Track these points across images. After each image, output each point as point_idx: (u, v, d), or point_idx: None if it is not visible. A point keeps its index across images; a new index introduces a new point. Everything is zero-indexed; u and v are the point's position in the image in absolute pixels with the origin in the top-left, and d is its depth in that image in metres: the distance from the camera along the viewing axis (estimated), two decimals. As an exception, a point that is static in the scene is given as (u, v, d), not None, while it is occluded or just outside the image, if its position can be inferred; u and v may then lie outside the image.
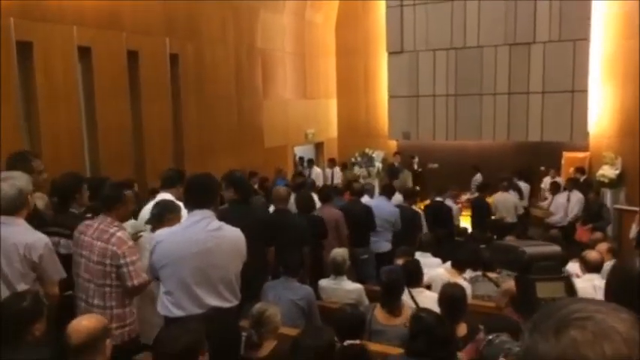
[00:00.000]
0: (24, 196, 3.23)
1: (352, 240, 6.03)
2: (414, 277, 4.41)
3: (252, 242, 3.29)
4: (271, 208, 5.78)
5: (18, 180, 3.25)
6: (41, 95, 6.94)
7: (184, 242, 2.97)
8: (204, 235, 2.98)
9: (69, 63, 7.30)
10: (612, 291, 1.82)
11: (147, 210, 4.26)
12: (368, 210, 6.39)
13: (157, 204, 4.14)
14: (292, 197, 5.88)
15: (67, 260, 3.92)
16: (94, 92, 7.69)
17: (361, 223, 6.26)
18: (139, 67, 8.40)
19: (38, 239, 3.20)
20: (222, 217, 3.31)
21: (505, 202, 8.94)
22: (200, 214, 3.04)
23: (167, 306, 2.99)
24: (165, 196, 4.49)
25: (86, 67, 7.65)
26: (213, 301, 2.97)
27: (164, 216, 3.85)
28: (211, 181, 3.24)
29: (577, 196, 9.01)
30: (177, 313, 2.95)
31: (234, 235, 3.12)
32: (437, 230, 7.20)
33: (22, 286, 3.12)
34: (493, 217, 8.79)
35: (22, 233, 3.17)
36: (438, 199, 8.30)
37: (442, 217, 7.85)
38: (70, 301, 3.73)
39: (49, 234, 3.92)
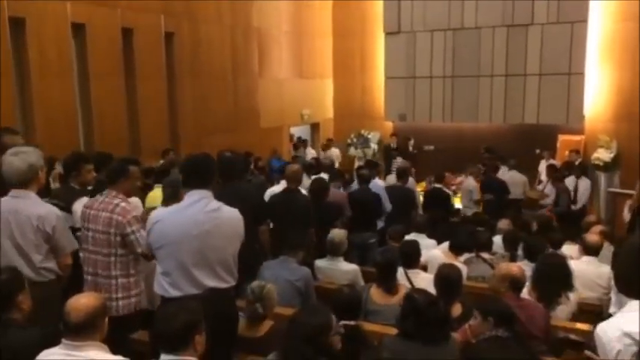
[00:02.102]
0: (35, 170, 3.35)
1: (360, 225, 6.14)
2: (411, 258, 4.44)
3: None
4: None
5: (29, 154, 3.37)
6: (35, 72, 6.87)
7: (183, 223, 2.95)
8: (202, 216, 2.97)
9: (63, 40, 7.21)
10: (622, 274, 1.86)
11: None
12: (377, 197, 6.49)
13: (170, 181, 4.28)
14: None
15: None
16: (88, 70, 7.62)
17: (371, 209, 6.37)
18: (133, 45, 8.31)
19: (50, 211, 3.33)
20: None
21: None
22: (198, 194, 3.02)
23: (164, 286, 2.99)
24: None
25: (80, 44, 7.56)
26: (211, 282, 2.97)
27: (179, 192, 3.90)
28: (209, 161, 3.21)
29: (585, 183, 8.91)
30: (173, 293, 2.95)
31: (232, 215, 3.11)
32: (432, 211, 7.22)
33: (36, 257, 3.29)
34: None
35: (34, 206, 3.31)
36: (438, 185, 8.28)
37: (441, 204, 7.86)
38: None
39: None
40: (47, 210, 3.33)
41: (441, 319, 2.96)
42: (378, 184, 7.13)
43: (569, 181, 8.87)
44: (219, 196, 3.61)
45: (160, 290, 3.02)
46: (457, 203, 9.21)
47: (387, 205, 6.66)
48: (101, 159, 4.94)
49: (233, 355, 3.18)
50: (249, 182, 5.35)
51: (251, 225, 4.49)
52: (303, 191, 5.60)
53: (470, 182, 8.66)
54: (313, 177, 6.44)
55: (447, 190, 8.44)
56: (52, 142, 6.64)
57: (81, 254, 3.62)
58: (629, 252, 1.96)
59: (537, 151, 11.48)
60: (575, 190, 8.77)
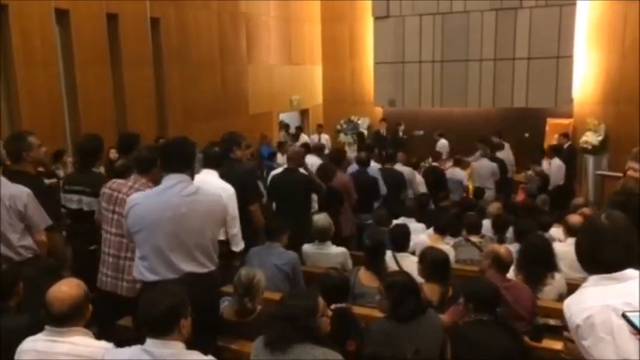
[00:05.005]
0: (1, 153, 3.45)
1: (358, 207, 6.25)
2: (400, 241, 4.45)
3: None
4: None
5: None
6: (18, 60, 6.78)
7: (158, 207, 2.92)
8: (178, 199, 2.92)
9: (46, 26, 7.11)
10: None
11: None
12: (374, 180, 6.61)
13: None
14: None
15: (89, 216, 4.05)
16: (73, 57, 7.52)
17: (368, 191, 6.47)
18: (119, 31, 8.21)
19: (21, 190, 3.38)
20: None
21: (481, 169, 8.94)
22: (175, 178, 2.97)
23: (141, 271, 2.97)
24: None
25: (64, 30, 7.46)
26: (188, 267, 2.93)
27: None
28: (187, 146, 3.16)
29: (556, 163, 9.05)
30: (151, 277, 2.92)
31: (210, 199, 3.06)
32: (421, 195, 7.26)
33: (13, 236, 3.35)
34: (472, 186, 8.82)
35: (4, 187, 3.34)
36: (434, 164, 8.43)
37: (439, 181, 8.11)
38: (95, 254, 3.83)
39: (73, 192, 4.07)
40: (18, 190, 3.38)
41: (417, 294, 3.03)
42: (374, 167, 7.21)
43: (545, 163, 9.03)
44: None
45: (139, 275, 3.00)
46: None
47: (382, 188, 6.72)
48: (129, 141, 4.87)
49: (218, 340, 3.17)
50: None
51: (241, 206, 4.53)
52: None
53: (488, 163, 8.72)
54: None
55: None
56: (38, 131, 6.43)
57: (104, 235, 3.64)
58: (585, 229, 2.10)
59: (526, 134, 11.52)
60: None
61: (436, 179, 8.16)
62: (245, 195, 4.56)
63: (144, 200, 2.99)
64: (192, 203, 2.94)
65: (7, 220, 3.31)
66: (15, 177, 3.51)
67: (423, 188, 7.88)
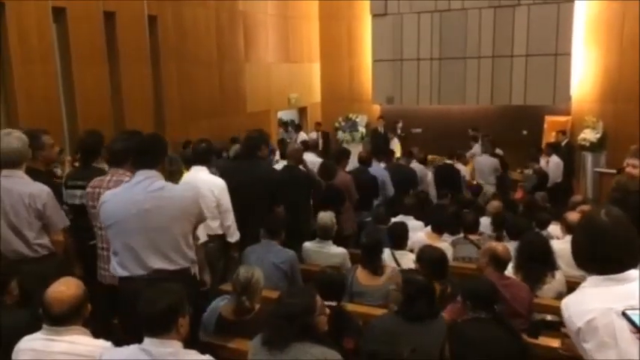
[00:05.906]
0: (26, 150, 3.45)
1: (359, 205, 6.33)
2: (399, 239, 4.46)
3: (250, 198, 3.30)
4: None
5: (19, 134, 3.46)
6: (15, 59, 6.75)
7: (125, 203, 2.93)
8: (143, 196, 2.91)
9: (44, 25, 7.08)
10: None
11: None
12: (374, 179, 6.70)
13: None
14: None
15: None
16: (70, 55, 7.50)
17: (368, 189, 6.53)
18: (116, 29, 8.18)
19: (41, 189, 3.42)
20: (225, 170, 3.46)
21: (483, 166, 8.97)
22: (144, 174, 2.97)
23: (114, 266, 3.01)
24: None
25: (62, 29, 7.44)
26: (157, 263, 2.91)
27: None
28: (157, 142, 3.15)
29: (554, 161, 9.07)
30: (122, 273, 2.95)
31: (178, 195, 3.02)
32: (419, 192, 7.27)
33: (30, 234, 3.41)
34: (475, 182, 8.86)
35: (24, 184, 3.39)
36: (448, 161, 8.46)
37: (451, 180, 8.15)
38: (95, 250, 3.84)
39: (76, 187, 4.08)
40: (38, 188, 3.42)
41: (432, 297, 3.03)
42: (379, 167, 7.30)
43: (542, 161, 9.09)
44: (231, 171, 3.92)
45: (112, 270, 3.05)
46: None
47: (390, 188, 6.73)
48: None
49: (217, 339, 3.17)
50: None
51: (267, 204, 4.63)
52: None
53: (489, 159, 8.83)
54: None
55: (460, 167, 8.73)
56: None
57: (96, 231, 3.67)
58: (583, 226, 1.98)
59: (524, 132, 11.51)
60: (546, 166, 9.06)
61: (447, 177, 8.18)
62: (277, 195, 4.73)
63: (112, 197, 3.02)
64: (158, 199, 2.93)
65: (25, 217, 3.36)
66: (29, 174, 3.53)
67: (432, 189, 7.89)
